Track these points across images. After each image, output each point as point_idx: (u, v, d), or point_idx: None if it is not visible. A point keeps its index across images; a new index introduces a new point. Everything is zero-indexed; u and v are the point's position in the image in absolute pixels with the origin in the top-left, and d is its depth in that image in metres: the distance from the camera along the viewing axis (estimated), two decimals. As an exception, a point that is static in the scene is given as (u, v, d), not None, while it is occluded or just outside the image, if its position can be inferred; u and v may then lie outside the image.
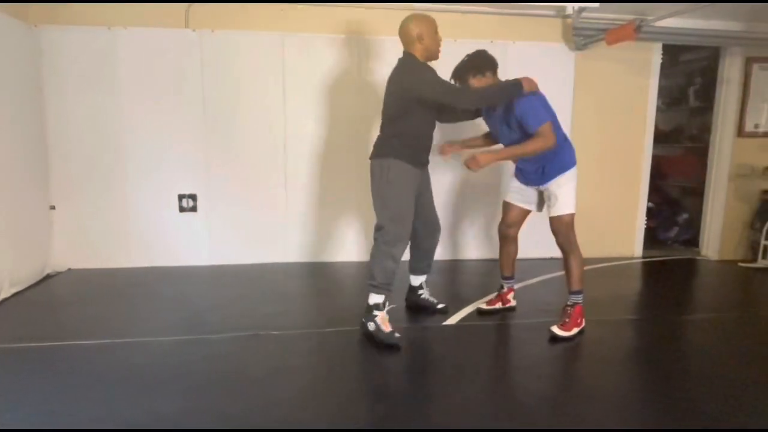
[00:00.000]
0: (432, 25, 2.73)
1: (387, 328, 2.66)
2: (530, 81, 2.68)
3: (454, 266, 4.34)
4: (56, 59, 3.81)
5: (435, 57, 2.77)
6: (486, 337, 2.82)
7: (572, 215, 2.84)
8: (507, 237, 3.13)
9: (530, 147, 2.65)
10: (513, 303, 3.23)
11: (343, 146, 4.23)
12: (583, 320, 2.86)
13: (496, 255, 3.36)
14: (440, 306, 3.16)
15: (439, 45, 2.75)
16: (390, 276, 2.70)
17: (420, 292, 3.18)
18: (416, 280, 3.17)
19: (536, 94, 2.70)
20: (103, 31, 3.83)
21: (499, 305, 3.19)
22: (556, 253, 4.58)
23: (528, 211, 3.06)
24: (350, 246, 4.38)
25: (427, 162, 2.90)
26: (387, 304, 2.73)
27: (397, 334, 2.66)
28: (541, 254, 4.60)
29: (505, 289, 3.22)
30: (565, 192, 2.80)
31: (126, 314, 3.13)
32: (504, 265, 3.20)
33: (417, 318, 3.10)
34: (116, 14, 3.85)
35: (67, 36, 3.80)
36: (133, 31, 3.86)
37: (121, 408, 2.03)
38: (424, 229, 2.99)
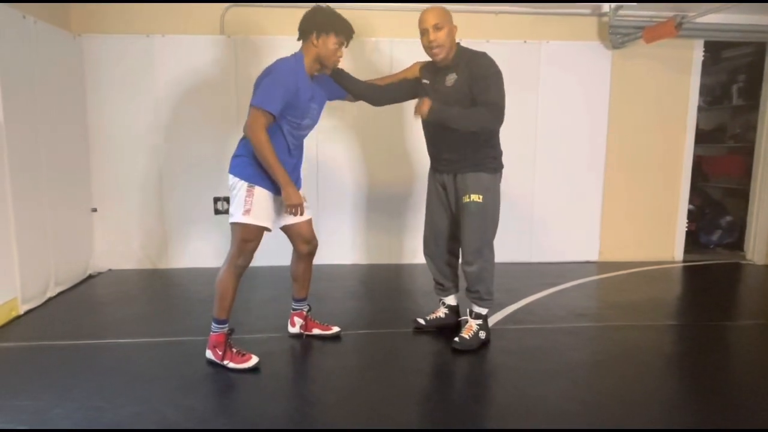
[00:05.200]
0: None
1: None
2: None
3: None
4: (97, 66, 3.95)
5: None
6: (522, 341, 2.77)
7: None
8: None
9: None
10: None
11: (373, 150, 4.25)
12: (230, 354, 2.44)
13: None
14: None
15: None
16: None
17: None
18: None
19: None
20: (141, 38, 3.95)
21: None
22: (592, 257, 4.53)
23: None
24: (381, 248, 4.40)
25: (444, 169, 2.70)
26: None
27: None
28: (575, 258, 4.52)
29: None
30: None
31: (164, 314, 3.21)
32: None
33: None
34: (154, 22, 3.97)
35: (107, 44, 3.93)
36: (170, 38, 3.97)
37: (160, 405, 2.08)
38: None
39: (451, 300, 2.93)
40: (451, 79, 2.53)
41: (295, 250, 2.72)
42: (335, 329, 2.84)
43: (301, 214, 2.40)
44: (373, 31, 4.12)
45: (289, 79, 2.31)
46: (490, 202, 2.60)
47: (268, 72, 2.34)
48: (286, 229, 2.63)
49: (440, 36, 2.46)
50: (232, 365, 2.40)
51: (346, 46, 2.46)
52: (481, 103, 2.44)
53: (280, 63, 2.37)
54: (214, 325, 2.44)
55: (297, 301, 2.80)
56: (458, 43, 2.58)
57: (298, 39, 2.43)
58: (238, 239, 2.39)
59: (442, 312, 2.94)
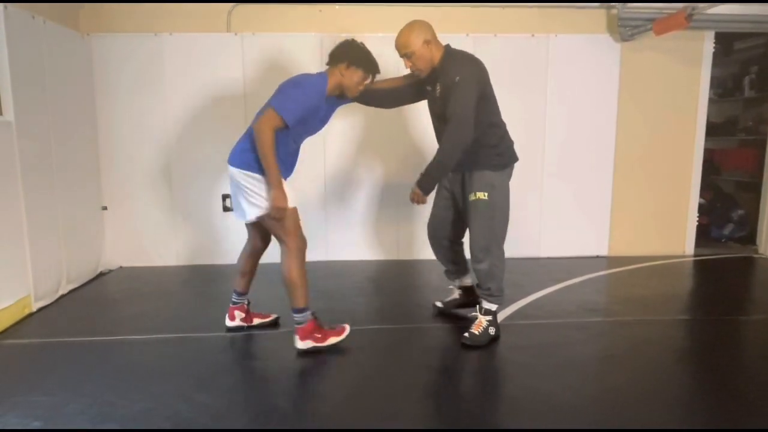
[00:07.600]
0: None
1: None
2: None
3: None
4: (106, 66, 3.97)
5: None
6: (531, 337, 2.77)
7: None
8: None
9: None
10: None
11: (382, 146, 4.24)
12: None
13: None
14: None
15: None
16: None
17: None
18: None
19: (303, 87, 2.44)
20: (149, 37, 3.97)
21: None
22: (602, 251, 4.50)
23: None
24: (390, 244, 4.40)
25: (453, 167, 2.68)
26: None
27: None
28: (584, 253, 4.49)
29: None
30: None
31: (175, 310, 3.23)
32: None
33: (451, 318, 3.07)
34: (162, 21, 3.98)
35: (116, 43, 3.95)
36: (177, 36, 3.99)
37: (172, 400, 2.10)
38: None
39: (459, 282, 3.03)
40: (438, 89, 2.57)
41: (252, 245, 2.75)
42: (274, 316, 2.91)
43: (282, 219, 2.43)
44: (382, 27, 4.09)
45: (315, 100, 2.45)
46: (498, 199, 2.60)
47: (298, 84, 2.45)
48: (256, 221, 2.55)
49: (413, 62, 2.55)
50: (335, 340, 2.55)
51: (370, 83, 2.59)
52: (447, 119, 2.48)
53: (312, 80, 2.48)
54: (299, 317, 2.50)
55: (240, 294, 2.83)
56: (447, 46, 2.59)
57: (327, 63, 2.53)
58: (289, 225, 2.45)
59: (456, 293, 3.05)
